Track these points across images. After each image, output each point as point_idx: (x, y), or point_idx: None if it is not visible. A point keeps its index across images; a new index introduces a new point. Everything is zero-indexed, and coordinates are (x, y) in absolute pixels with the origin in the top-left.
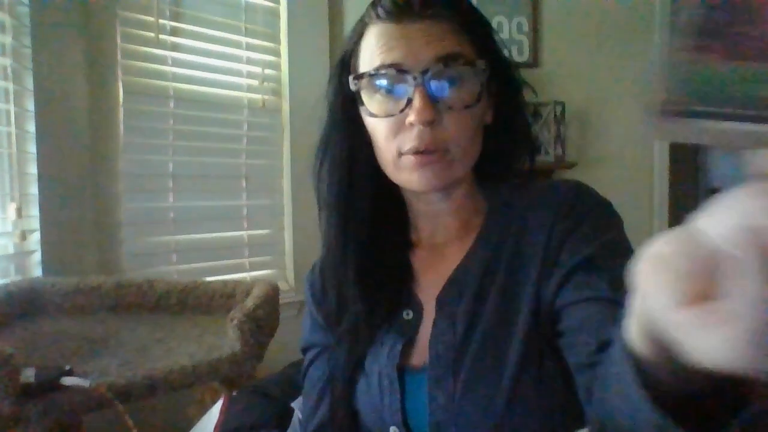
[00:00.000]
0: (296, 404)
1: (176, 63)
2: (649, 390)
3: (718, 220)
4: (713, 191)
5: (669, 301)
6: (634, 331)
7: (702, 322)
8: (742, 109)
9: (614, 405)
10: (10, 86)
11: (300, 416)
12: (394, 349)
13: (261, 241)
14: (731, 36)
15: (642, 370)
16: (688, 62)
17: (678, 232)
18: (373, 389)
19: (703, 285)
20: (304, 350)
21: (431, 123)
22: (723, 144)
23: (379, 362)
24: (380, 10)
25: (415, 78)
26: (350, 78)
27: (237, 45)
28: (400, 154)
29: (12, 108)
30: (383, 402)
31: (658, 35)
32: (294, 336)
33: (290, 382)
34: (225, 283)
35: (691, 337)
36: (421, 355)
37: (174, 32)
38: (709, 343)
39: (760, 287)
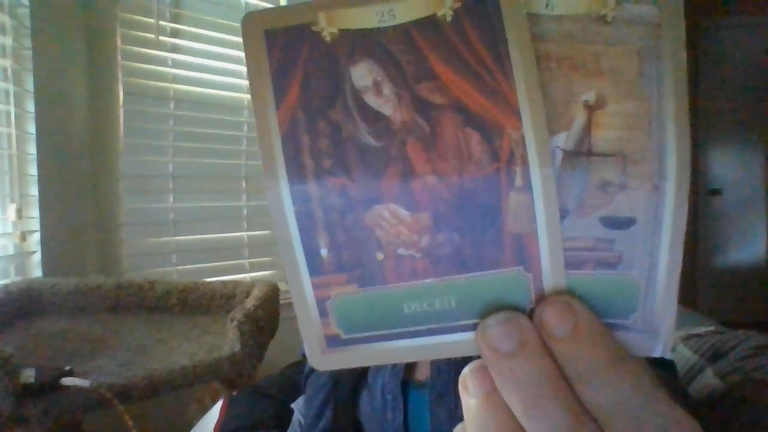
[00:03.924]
0: (296, 405)
1: (176, 64)
2: None
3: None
4: (713, 192)
5: None
6: None
7: None
8: (399, 328)
9: None
10: (11, 87)
11: (300, 418)
12: (397, 363)
13: (261, 242)
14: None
15: None
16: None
17: None
18: (376, 403)
19: None
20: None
21: None
22: (395, 360)
23: (383, 376)
24: None
25: None
26: None
27: (237, 46)
28: None
29: (12, 109)
30: (385, 417)
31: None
32: (294, 336)
33: (290, 383)
34: (225, 283)
35: None
36: (424, 369)
37: (174, 34)
38: None
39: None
